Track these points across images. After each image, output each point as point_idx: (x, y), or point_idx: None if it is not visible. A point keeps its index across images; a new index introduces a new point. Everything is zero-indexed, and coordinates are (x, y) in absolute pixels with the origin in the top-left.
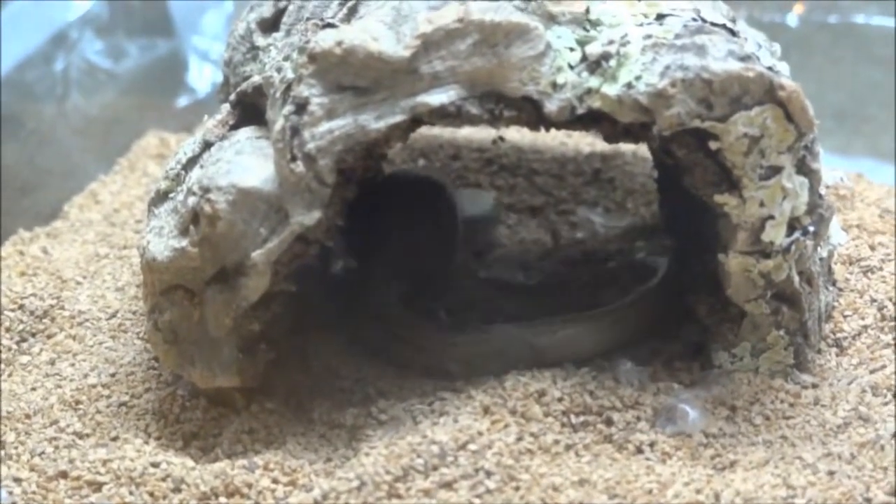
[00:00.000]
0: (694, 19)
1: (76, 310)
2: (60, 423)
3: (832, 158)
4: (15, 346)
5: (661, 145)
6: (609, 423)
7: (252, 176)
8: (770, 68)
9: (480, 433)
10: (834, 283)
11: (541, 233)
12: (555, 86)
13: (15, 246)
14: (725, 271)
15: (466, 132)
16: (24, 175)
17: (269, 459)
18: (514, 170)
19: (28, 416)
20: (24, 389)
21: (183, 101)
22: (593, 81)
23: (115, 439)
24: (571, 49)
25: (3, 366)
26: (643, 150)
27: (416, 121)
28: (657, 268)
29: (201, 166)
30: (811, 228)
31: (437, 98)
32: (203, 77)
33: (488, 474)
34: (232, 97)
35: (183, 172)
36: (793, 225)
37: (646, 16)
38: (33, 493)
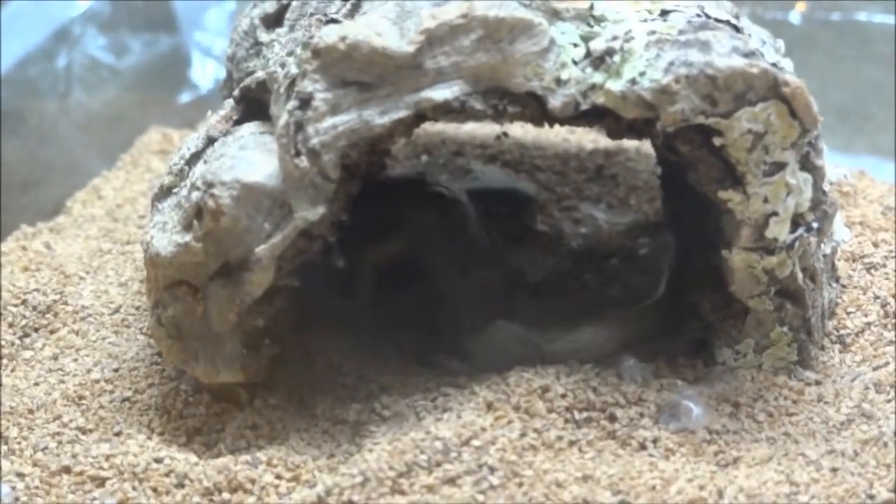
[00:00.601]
0: (698, 15)
1: (79, 305)
2: (63, 418)
3: (834, 156)
4: (18, 342)
5: (665, 141)
6: (612, 419)
7: (256, 171)
8: (774, 64)
9: (484, 429)
10: (837, 280)
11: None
12: (559, 81)
13: (18, 241)
14: (729, 268)
15: (470, 128)
16: (27, 171)
17: (272, 455)
18: (517, 166)
19: (31, 412)
20: (27, 384)
21: (185, 97)
22: (597, 77)
23: (118, 434)
24: (575, 45)
25: (5, 361)
26: (646, 146)
27: (420, 116)
28: (660, 265)
29: (205, 161)
30: (815, 225)
31: (441, 93)
32: (206, 73)
33: (492, 470)
34: (235, 93)
35: (186, 168)
36: (796, 221)
37: (650, 12)
38: (36, 488)
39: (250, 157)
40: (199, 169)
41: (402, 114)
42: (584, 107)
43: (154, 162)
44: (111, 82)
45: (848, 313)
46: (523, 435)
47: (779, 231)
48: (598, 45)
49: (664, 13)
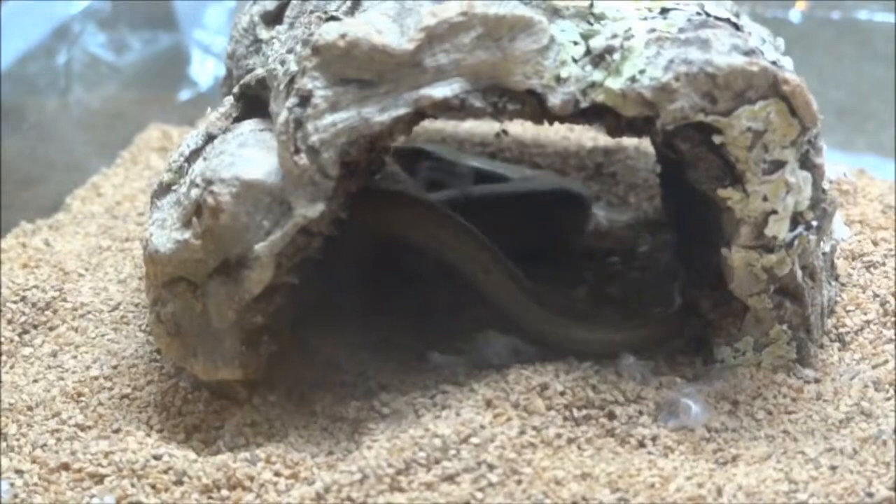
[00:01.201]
0: (698, 13)
1: (78, 302)
2: (62, 415)
3: (834, 154)
4: (17, 338)
5: (665, 139)
6: (611, 417)
7: (255, 168)
8: (774, 63)
9: (483, 426)
10: (836, 279)
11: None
12: (558, 79)
13: (17, 238)
14: (728, 266)
15: (469, 125)
16: (27, 168)
17: (271, 452)
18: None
19: (30, 408)
20: (26, 381)
21: (185, 95)
22: (597, 75)
23: (116, 431)
24: (575, 43)
25: (4, 358)
26: (645, 144)
27: (419, 114)
28: (670, 269)
29: (204, 158)
30: (814, 223)
31: (441, 91)
32: (205, 70)
33: (490, 468)
34: (235, 90)
35: (186, 165)
36: (796, 220)
37: (650, 10)
38: (35, 484)
39: (250, 155)
40: (199, 166)
41: (401, 111)
42: (584, 105)
43: (153, 159)
44: (111, 79)
45: (847, 311)
46: (522, 432)
47: (778, 229)
48: (598, 43)
49: (664, 11)
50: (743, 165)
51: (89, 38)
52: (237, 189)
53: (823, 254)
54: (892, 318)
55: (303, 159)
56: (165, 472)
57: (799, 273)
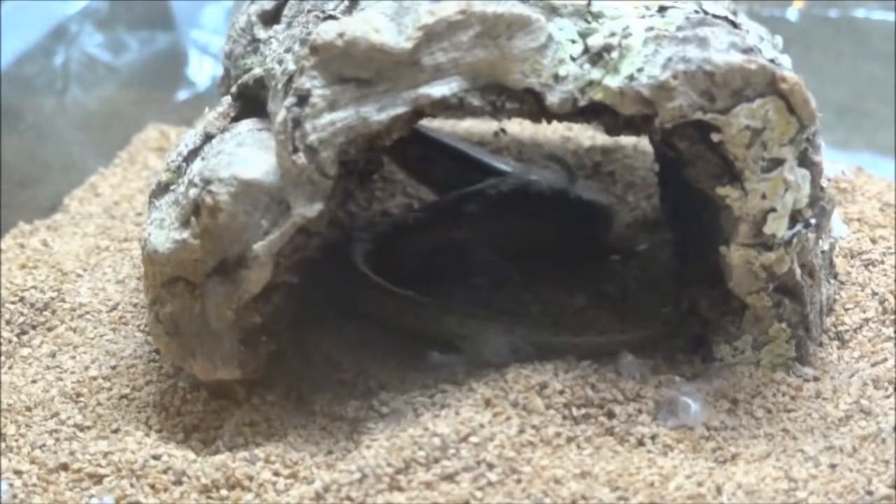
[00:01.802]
0: (696, 11)
1: (77, 302)
2: (61, 415)
3: (832, 153)
4: (15, 339)
5: (663, 138)
6: (611, 415)
7: (254, 168)
8: (772, 60)
9: (482, 425)
10: (835, 277)
11: None
12: (557, 78)
13: (15, 239)
14: (727, 264)
15: (467, 124)
16: (24, 168)
17: (270, 452)
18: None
19: (29, 409)
20: (25, 382)
21: (183, 95)
22: (595, 73)
23: (115, 432)
24: (573, 41)
25: (3, 358)
26: (643, 143)
27: (417, 113)
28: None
29: (203, 158)
30: (813, 221)
31: (439, 90)
32: (203, 70)
33: (490, 467)
34: (233, 89)
35: (184, 164)
36: (794, 217)
37: (647, 8)
38: (34, 485)
39: (248, 154)
40: (197, 166)
41: (399, 110)
42: (582, 103)
43: (151, 159)
44: (108, 80)
45: (846, 310)
46: (521, 431)
47: (777, 227)
48: (595, 42)
49: (662, 9)
50: (741, 163)
51: (87, 38)
52: (235, 189)
53: (822, 252)
54: (891, 316)
55: (301, 158)
56: (164, 472)
57: (798, 271)
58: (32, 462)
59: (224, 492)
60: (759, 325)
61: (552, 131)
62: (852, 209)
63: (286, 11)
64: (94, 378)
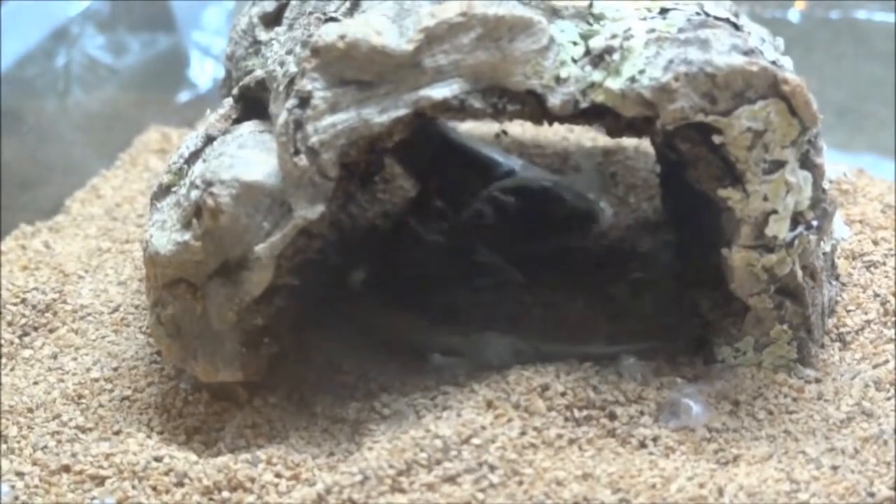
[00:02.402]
0: (697, 13)
1: (78, 304)
2: (63, 417)
3: (833, 154)
4: (17, 340)
5: (665, 140)
6: (612, 417)
7: (255, 170)
8: (774, 62)
9: (484, 427)
10: (837, 278)
11: None
12: (558, 80)
13: (17, 240)
14: (729, 266)
15: (469, 126)
16: (26, 170)
17: (271, 454)
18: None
19: (30, 410)
20: (27, 383)
21: (184, 97)
22: (597, 75)
23: (117, 433)
24: (575, 43)
25: (5, 360)
26: (645, 145)
27: (419, 115)
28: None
29: (204, 160)
30: (814, 223)
31: (441, 92)
32: (204, 72)
33: (492, 468)
34: (234, 91)
35: (186, 166)
36: (796, 219)
37: (649, 10)
38: (36, 487)
39: (249, 156)
40: (199, 168)
41: (401, 112)
42: (584, 105)
43: (153, 161)
44: (110, 82)
45: (848, 311)
46: (523, 433)
47: (778, 229)
48: (597, 44)
49: (663, 11)
50: (743, 165)
51: (88, 40)
52: (237, 190)
53: (824, 253)
54: (893, 318)
55: (302, 160)
56: (166, 473)
57: (799, 273)
58: (34, 464)
59: (226, 493)
60: (760, 327)
61: (553, 133)
62: (854, 211)
63: (287, 13)
64: (96, 380)
